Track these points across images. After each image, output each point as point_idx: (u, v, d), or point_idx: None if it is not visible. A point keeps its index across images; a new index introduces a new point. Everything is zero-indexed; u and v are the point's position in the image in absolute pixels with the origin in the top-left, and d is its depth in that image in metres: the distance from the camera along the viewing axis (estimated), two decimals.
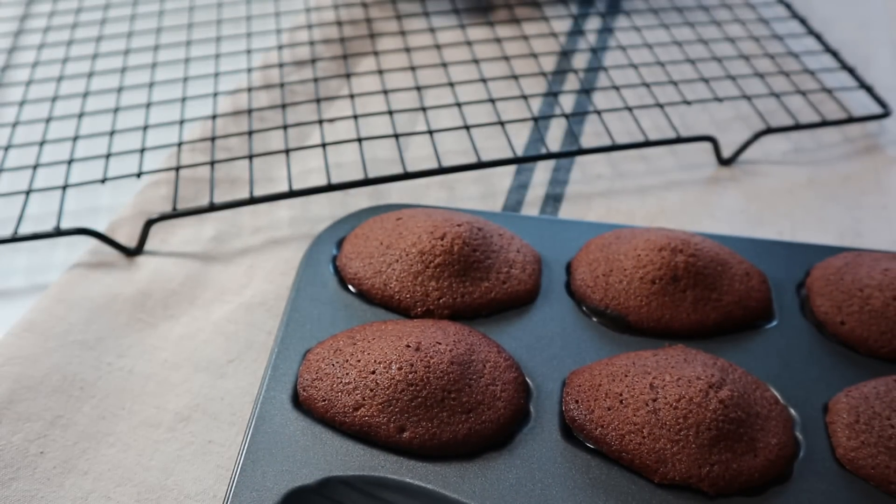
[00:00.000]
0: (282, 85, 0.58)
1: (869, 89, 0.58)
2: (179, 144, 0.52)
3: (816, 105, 0.57)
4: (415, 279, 0.42)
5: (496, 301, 0.42)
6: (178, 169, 0.50)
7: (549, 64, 0.63)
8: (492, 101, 0.55)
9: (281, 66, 0.60)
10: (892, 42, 0.67)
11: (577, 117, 0.58)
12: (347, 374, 0.37)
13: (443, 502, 0.34)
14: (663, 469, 0.35)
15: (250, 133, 0.53)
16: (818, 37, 0.64)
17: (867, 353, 0.41)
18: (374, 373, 0.37)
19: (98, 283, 0.46)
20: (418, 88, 0.57)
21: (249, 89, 0.57)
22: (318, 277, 0.44)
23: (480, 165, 0.50)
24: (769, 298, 0.43)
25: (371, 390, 0.37)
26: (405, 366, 0.37)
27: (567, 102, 0.60)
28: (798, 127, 0.55)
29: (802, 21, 0.66)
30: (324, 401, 0.37)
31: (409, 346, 0.37)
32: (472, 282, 0.42)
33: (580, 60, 0.63)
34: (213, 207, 0.48)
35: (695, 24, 0.65)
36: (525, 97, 0.57)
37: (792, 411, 0.38)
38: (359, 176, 0.50)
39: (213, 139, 0.53)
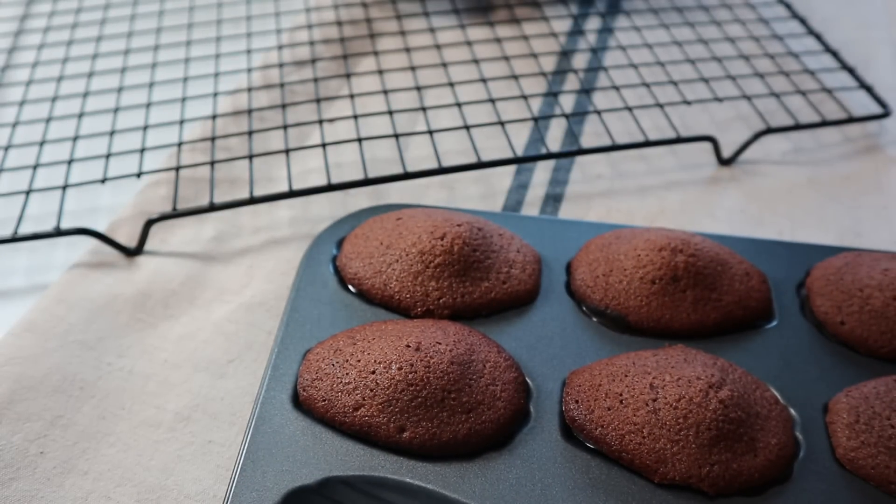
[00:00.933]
0: (282, 85, 0.58)
1: (869, 89, 0.58)
2: (179, 144, 0.52)
3: (816, 105, 0.57)
4: (415, 279, 0.42)
5: (496, 301, 0.42)
6: (178, 169, 0.50)
7: (549, 64, 0.63)
8: (492, 101, 0.55)
9: (281, 66, 0.60)
10: (892, 42, 0.67)
11: (577, 117, 0.58)
12: (347, 374, 0.37)
13: (443, 502, 0.34)
14: (663, 469, 0.35)
15: (250, 133, 0.53)
16: (818, 37, 0.64)
17: (867, 353, 0.41)
18: (374, 373, 0.37)
19: (98, 283, 0.46)
20: (418, 88, 0.56)
21: (249, 89, 0.57)
22: (318, 277, 0.44)
23: (480, 165, 0.50)
24: (769, 298, 0.43)
25: (371, 390, 0.37)
26: (405, 366, 0.37)
27: (567, 102, 0.60)
28: (798, 127, 0.55)
29: (802, 21, 0.66)
30: (324, 401, 0.37)
31: (409, 346, 0.37)
32: (472, 282, 0.42)
33: (580, 60, 0.63)
34: (213, 207, 0.48)
35: (695, 24, 0.65)
36: (525, 97, 0.56)
37: (792, 411, 0.38)
38: (359, 176, 0.50)
39: (213, 139, 0.53)
